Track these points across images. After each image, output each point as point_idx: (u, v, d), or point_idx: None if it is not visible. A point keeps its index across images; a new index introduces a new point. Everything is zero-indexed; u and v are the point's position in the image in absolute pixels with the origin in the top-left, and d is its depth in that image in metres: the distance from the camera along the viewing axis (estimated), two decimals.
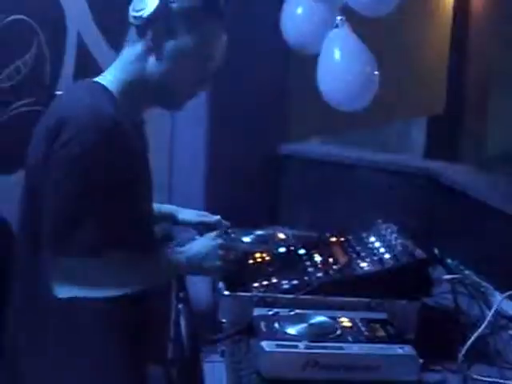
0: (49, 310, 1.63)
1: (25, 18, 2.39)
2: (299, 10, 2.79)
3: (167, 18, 1.64)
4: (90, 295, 1.59)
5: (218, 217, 2.12)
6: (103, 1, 2.57)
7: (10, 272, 1.73)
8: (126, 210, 1.61)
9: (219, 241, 1.78)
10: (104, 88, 1.67)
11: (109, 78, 1.70)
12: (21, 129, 2.42)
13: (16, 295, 1.71)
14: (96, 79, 1.71)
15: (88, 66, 2.53)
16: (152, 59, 1.68)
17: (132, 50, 1.69)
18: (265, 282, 1.89)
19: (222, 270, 1.79)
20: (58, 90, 2.47)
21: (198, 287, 2.10)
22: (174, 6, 1.64)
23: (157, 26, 1.64)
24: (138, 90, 1.70)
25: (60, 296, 1.56)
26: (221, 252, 1.77)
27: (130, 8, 1.68)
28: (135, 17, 1.66)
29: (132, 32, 1.70)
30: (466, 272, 2.11)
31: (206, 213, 2.17)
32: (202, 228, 2.08)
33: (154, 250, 1.76)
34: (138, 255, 1.65)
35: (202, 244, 1.79)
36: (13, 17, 2.36)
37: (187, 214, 2.14)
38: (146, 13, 1.63)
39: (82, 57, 2.56)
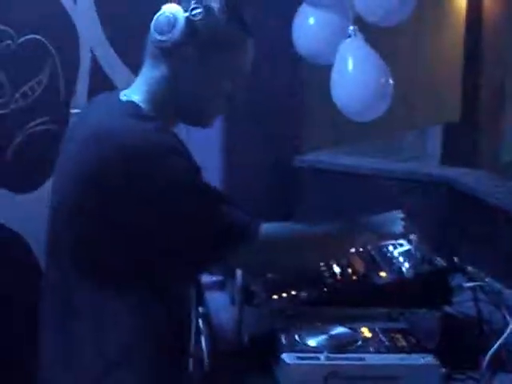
0: (87, 327, 1.61)
1: (39, 37, 2.41)
2: (311, 21, 2.78)
3: (195, 39, 1.61)
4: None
5: None
6: (116, 19, 2.58)
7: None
8: None
9: (402, 214, 1.89)
10: (143, 110, 1.63)
11: (136, 98, 1.65)
12: (37, 148, 2.44)
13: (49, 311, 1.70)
14: (125, 99, 1.65)
15: (102, 84, 2.54)
16: (181, 80, 1.65)
17: (157, 70, 1.65)
18: (284, 294, 1.89)
19: (400, 236, 1.93)
20: (73, 108, 2.48)
21: (218, 301, 2.09)
22: (201, 24, 1.61)
23: (185, 48, 1.61)
24: (168, 111, 1.67)
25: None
26: (404, 222, 1.86)
27: (153, 29, 1.63)
28: (160, 40, 1.61)
29: (154, 52, 1.65)
30: (487, 279, 2.09)
31: None
32: None
33: None
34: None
35: (384, 214, 1.89)
36: (27, 37, 2.37)
37: None
38: (172, 36, 1.60)
39: (96, 75, 2.57)
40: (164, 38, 1.61)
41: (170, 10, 1.62)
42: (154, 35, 1.63)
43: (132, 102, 1.64)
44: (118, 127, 1.57)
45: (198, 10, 1.61)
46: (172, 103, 1.67)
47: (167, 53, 1.63)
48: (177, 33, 1.60)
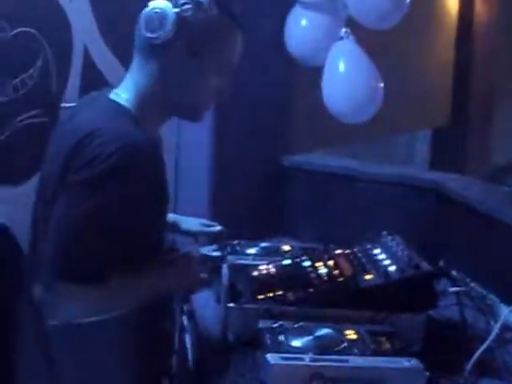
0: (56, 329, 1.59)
1: (31, 30, 2.40)
2: (303, 22, 2.79)
3: (186, 34, 1.60)
4: (87, 319, 1.54)
5: (221, 227, 2.14)
6: (110, 14, 2.58)
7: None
8: (142, 230, 1.59)
9: (198, 256, 1.86)
10: (125, 110, 1.62)
11: (124, 96, 1.64)
12: (27, 140, 2.44)
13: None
14: (112, 98, 1.64)
15: (94, 79, 2.54)
16: (172, 76, 1.63)
17: (147, 67, 1.64)
18: (270, 294, 1.89)
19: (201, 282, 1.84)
20: (65, 103, 2.48)
21: (203, 299, 2.10)
22: (191, 19, 1.60)
23: (176, 43, 1.60)
24: (158, 108, 1.66)
25: (53, 322, 1.52)
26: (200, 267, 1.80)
27: (143, 27, 1.61)
28: (151, 37, 1.60)
29: (144, 48, 1.64)
30: (472, 284, 2.10)
31: (209, 222, 2.18)
32: (204, 238, 2.10)
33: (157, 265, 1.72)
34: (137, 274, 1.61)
35: (181, 262, 1.81)
36: (19, 29, 2.37)
37: (190, 224, 2.14)
38: (163, 33, 1.58)
39: (88, 69, 2.56)
40: (155, 34, 1.60)
41: (159, 5, 1.60)
42: (144, 32, 1.61)
43: (119, 104, 1.62)
44: (101, 130, 1.54)
45: (189, 6, 1.61)
46: (162, 100, 1.66)
47: (158, 49, 1.62)
48: (168, 29, 1.59)
